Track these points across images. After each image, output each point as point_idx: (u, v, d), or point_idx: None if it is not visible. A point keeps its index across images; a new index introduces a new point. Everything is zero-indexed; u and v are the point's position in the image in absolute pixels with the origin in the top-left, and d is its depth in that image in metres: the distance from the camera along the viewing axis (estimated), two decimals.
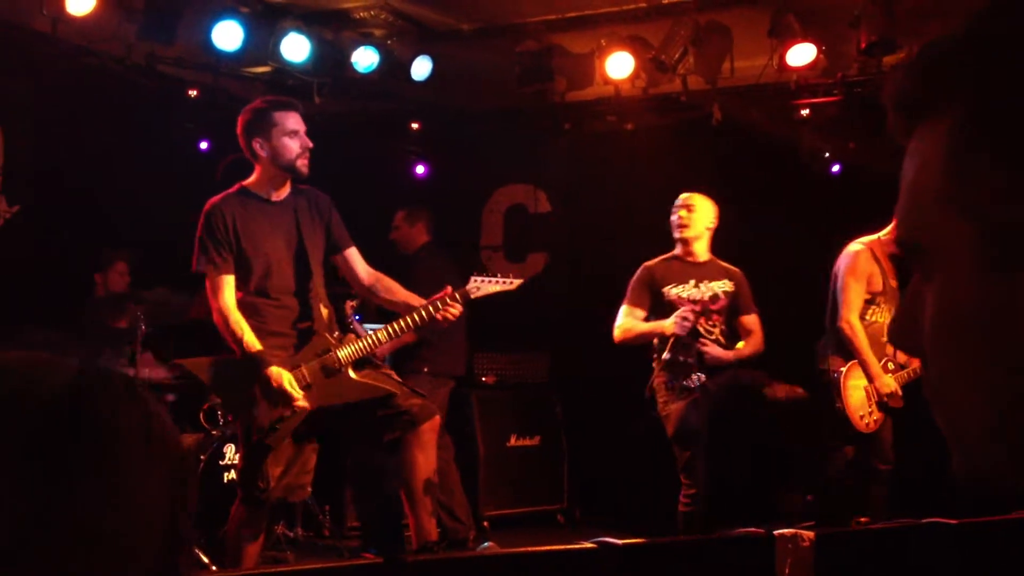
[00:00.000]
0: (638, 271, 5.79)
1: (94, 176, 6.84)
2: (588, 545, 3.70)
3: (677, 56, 6.65)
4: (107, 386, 0.88)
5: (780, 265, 6.74)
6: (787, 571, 3.68)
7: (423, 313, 4.48)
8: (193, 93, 7.12)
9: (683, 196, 5.85)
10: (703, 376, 5.53)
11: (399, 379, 4.66)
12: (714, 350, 5.56)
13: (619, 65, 6.92)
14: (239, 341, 4.30)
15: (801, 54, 6.44)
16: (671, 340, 5.51)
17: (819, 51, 6.42)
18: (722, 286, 5.72)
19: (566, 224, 8.53)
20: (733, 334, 5.78)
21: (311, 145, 4.49)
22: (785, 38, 6.42)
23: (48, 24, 5.98)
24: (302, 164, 4.48)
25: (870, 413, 5.67)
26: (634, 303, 5.71)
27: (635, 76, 7.01)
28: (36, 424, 0.84)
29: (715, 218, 5.86)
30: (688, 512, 5.54)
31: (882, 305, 5.71)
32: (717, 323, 5.67)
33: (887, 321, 5.70)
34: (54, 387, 0.86)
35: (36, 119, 6.66)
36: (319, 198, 4.68)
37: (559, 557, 3.72)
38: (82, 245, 6.66)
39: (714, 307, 5.67)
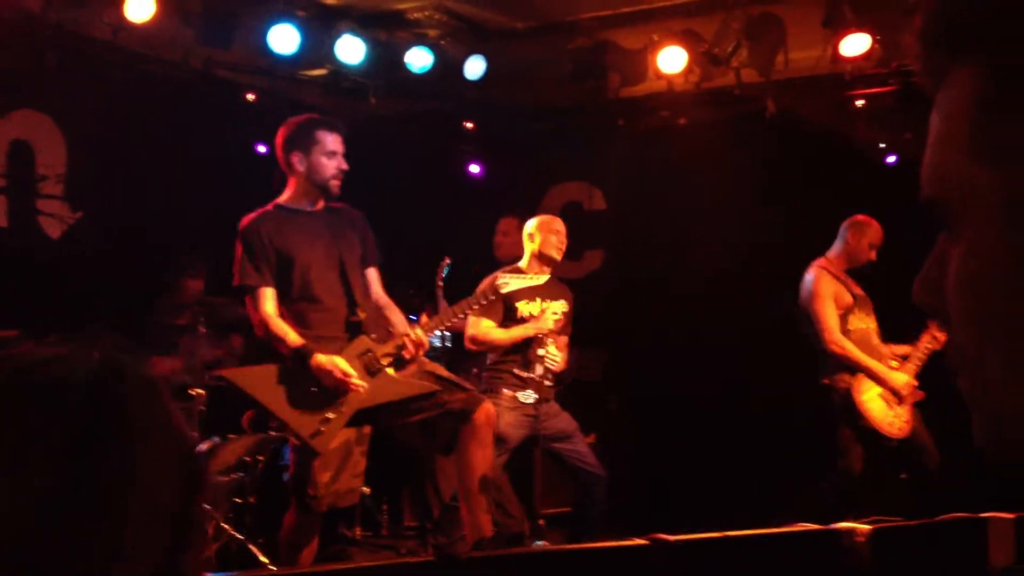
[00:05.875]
0: None
1: (154, 181, 6.97)
2: (641, 541, 3.69)
3: (730, 49, 6.59)
4: (125, 377, 0.92)
5: None
6: (846, 565, 3.64)
7: (456, 313, 4.75)
8: (250, 97, 7.23)
9: None
10: None
11: (446, 374, 4.70)
12: None
13: (672, 60, 6.87)
14: (283, 341, 4.42)
15: (856, 44, 6.35)
16: None
17: (874, 41, 6.32)
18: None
19: (621, 221, 8.50)
20: None
21: (346, 168, 4.62)
22: (839, 28, 6.33)
23: (109, 32, 6.11)
24: (334, 184, 4.61)
25: (898, 416, 5.68)
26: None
27: (688, 70, 6.95)
28: (59, 412, 0.87)
29: None
30: None
31: (858, 312, 5.85)
32: None
33: (870, 326, 5.85)
34: (76, 378, 0.89)
35: (97, 125, 6.80)
36: (354, 214, 4.81)
37: (611, 553, 3.72)
38: (143, 250, 6.78)
39: None
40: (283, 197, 4.68)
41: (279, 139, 4.63)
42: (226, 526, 5.28)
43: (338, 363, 4.39)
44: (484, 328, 5.59)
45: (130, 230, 6.83)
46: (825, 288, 5.79)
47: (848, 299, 5.80)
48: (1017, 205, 0.67)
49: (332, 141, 4.57)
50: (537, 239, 5.69)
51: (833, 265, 5.89)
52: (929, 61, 0.73)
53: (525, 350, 5.56)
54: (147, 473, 0.89)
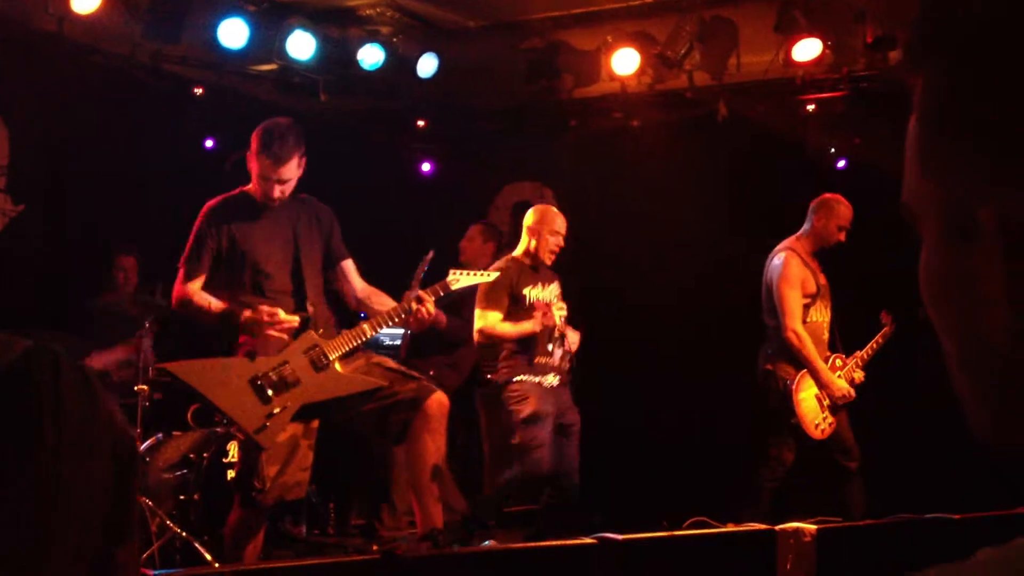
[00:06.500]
0: None
1: (99, 175, 6.84)
2: (588, 540, 3.69)
3: (683, 52, 6.63)
4: (54, 367, 0.89)
5: None
6: (788, 566, 3.67)
7: (400, 311, 4.62)
8: (199, 91, 7.13)
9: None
10: None
11: (395, 366, 4.68)
12: None
13: (625, 61, 6.90)
14: (207, 311, 4.43)
15: (807, 49, 6.42)
16: None
17: (825, 46, 6.39)
18: None
19: (573, 220, 8.50)
20: None
21: (279, 196, 4.54)
22: (791, 33, 6.40)
23: (53, 23, 5.99)
24: (270, 201, 4.56)
25: (824, 419, 5.75)
26: None
27: (641, 72, 6.99)
28: None
29: None
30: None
31: (818, 303, 5.84)
32: None
33: (825, 319, 5.85)
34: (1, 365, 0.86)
35: (41, 118, 6.66)
36: (321, 209, 4.78)
37: (559, 552, 3.72)
38: (87, 244, 6.66)
39: None
40: (250, 186, 4.65)
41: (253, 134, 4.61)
42: (170, 523, 5.20)
43: (263, 308, 4.37)
44: (492, 320, 5.65)
45: (73, 224, 6.70)
46: (794, 273, 5.73)
47: (812, 288, 5.77)
48: (950, 215, 0.69)
49: (268, 169, 4.48)
50: (536, 238, 5.81)
51: (801, 247, 5.84)
52: (910, 73, 0.75)
53: (542, 338, 5.68)
54: (75, 465, 0.86)
